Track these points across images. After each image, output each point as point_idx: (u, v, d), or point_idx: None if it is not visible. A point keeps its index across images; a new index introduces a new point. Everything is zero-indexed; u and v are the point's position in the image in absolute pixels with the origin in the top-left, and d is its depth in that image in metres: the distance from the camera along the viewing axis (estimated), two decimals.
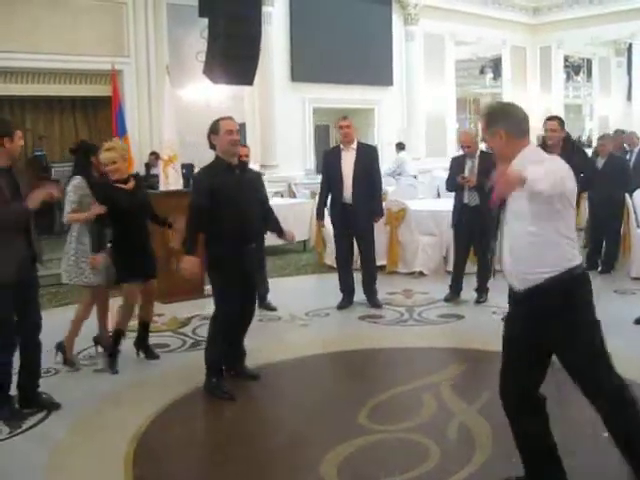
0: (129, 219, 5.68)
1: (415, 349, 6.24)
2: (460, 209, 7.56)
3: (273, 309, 7.57)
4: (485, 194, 7.16)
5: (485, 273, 7.58)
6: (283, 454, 4.29)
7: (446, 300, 7.68)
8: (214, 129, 5.16)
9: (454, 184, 7.56)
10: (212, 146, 5.21)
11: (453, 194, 7.74)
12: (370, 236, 7.59)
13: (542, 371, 3.45)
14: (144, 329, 6.15)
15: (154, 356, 6.10)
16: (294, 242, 7.79)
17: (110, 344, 5.94)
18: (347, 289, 7.68)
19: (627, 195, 8.99)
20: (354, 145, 7.41)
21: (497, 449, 4.13)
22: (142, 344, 6.14)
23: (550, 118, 6.92)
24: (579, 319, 3.28)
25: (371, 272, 7.68)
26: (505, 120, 3.35)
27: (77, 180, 5.81)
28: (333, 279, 7.84)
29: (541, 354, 3.40)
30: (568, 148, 6.70)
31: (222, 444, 4.45)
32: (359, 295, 7.72)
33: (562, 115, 18.72)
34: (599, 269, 9.35)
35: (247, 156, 7.51)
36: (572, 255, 3.28)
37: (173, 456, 4.28)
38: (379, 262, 8.99)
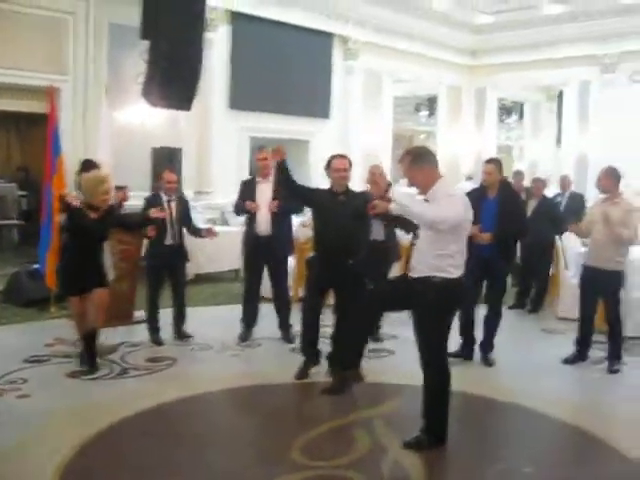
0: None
1: None
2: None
3: (189, 336, 7.46)
4: (392, 229, 7.17)
5: None
6: None
7: None
8: (327, 165, 6.21)
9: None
10: (328, 175, 6.24)
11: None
12: (285, 268, 7.60)
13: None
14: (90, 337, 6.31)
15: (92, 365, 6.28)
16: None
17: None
18: (251, 321, 7.58)
19: (557, 237, 9.19)
20: (271, 178, 7.35)
21: None
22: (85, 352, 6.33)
23: (488, 161, 7.00)
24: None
25: (286, 305, 7.60)
26: (428, 159, 4.70)
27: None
28: (268, 309, 7.72)
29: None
30: (504, 191, 6.81)
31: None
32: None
33: (494, 156, 19.18)
34: (527, 308, 9.54)
35: (175, 182, 7.45)
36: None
37: None
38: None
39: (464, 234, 4.74)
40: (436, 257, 4.59)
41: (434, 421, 4.69)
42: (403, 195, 4.62)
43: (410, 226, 6.51)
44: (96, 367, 6.23)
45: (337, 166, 6.16)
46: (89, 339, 6.26)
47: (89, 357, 6.28)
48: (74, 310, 6.40)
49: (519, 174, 11.75)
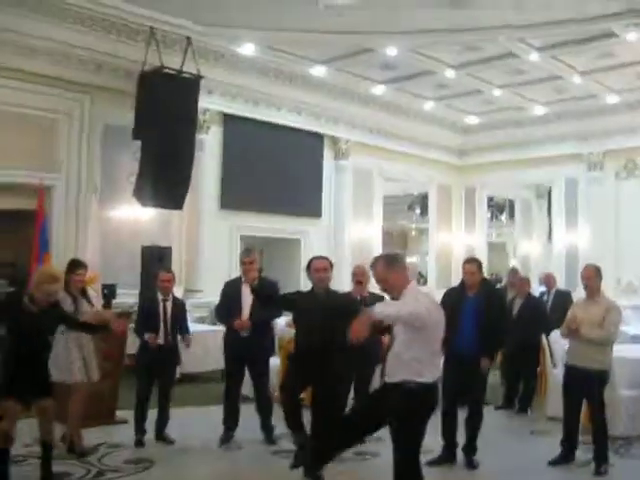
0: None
1: None
2: None
3: (171, 442, 7.32)
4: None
5: None
6: None
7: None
8: (308, 266, 6.39)
9: None
10: (308, 277, 6.42)
11: None
12: (266, 369, 7.55)
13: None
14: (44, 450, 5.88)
15: None
16: None
17: None
18: (232, 423, 7.46)
19: (543, 336, 9.17)
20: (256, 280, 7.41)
21: None
22: (42, 468, 5.83)
23: (468, 261, 7.05)
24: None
25: (268, 407, 7.49)
26: (400, 263, 4.92)
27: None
28: (250, 410, 7.62)
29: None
30: (485, 289, 6.85)
31: None
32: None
33: (485, 253, 19.35)
34: (515, 409, 9.42)
35: (169, 281, 7.49)
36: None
37: None
38: None
39: (438, 336, 4.75)
40: (410, 361, 4.61)
41: None
42: (378, 306, 4.81)
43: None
44: None
45: (317, 266, 6.30)
46: (45, 453, 5.87)
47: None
48: (7, 413, 5.64)
49: (514, 271, 11.82)
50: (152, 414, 7.41)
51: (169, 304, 7.45)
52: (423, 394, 4.61)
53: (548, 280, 11.57)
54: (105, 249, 11.86)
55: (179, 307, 7.64)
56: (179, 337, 7.58)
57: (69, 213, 12.13)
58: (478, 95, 16.11)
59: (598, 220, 16.64)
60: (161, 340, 7.33)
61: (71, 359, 6.69)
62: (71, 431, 6.87)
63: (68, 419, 6.88)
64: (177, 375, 9.80)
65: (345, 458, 6.85)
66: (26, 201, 11.86)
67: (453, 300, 6.66)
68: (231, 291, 7.53)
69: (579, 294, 8.09)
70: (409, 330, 4.62)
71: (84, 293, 7.14)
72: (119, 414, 7.96)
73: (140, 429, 7.29)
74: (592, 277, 6.84)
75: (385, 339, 5.58)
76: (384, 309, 4.75)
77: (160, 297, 7.43)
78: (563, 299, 10.71)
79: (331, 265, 6.36)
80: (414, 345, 4.61)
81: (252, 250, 7.70)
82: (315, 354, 6.01)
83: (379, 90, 15.64)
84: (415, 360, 4.60)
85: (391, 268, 4.83)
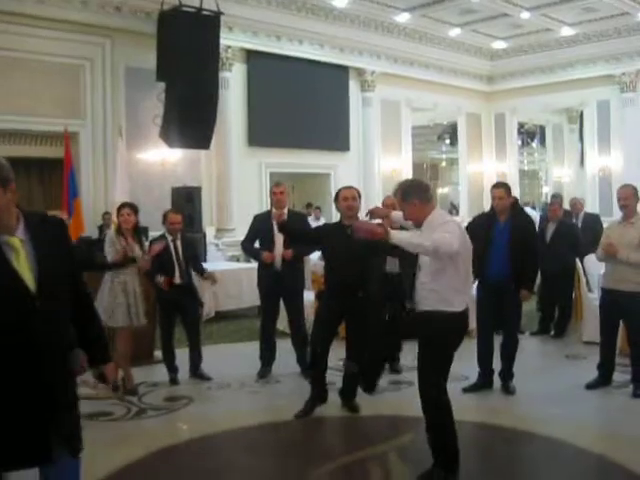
0: None
1: (363, 417, 6.14)
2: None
3: (208, 378, 7.37)
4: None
5: None
6: None
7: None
8: (336, 197, 6.27)
9: None
10: (337, 208, 6.30)
11: None
12: (300, 302, 7.52)
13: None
14: None
15: None
16: None
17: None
18: (269, 357, 7.52)
19: (577, 260, 9.07)
20: (285, 210, 7.33)
21: None
22: None
23: (496, 185, 6.88)
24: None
25: (303, 340, 7.42)
26: (416, 192, 4.58)
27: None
28: (287, 345, 7.68)
29: None
30: (516, 217, 6.71)
31: None
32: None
33: (517, 180, 19.14)
34: (551, 333, 9.40)
35: (179, 223, 7.43)
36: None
37: None
38: None
39: (467, 263, 4.64)
40: (438, 290, 4.50)
41: (442, 454, 4.59)
42: (399, 232, 4.55)
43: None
44: None
45: (345, 195, 6.19)
46: None
47: None
48: None
49: (556, 197, 11.60)
50: (186, 353, 7.49)
51: (179, 242, 7.41)
52: (451, 322, 4.51)
53: (574, 205, 11.39)
54: (135, 192, 11.87)
55: (189, 243, 7.65)
56: (205, 274, 7.67)
57: (96, 158, 12.19)
58: (505, 19, 15.75)
59: (632, 142, 16.36)
60: (177, 279, 7.34)
61: (115, 304, 6.70)
62: (123, 371, 6.96)
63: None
64: (211, 313, 9.98)
65: (380, 387, 6.94)
66: (53, 149, 11.92)
67: (484, 226, 6.57)
68: (261, 225, 7.47)
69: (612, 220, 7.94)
70: (437, 261, 4.45)
71: (136, 234, 7.10)
72: (157, 354, 8.04)
73: (170, 367, 7.37)
74: (630, 197, 6.64)
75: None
76: (405, 237, 4.43)
77: (169, 238, 7.39)
78: (592, 222, 10.57)
79: (359, 195, 6.28)
80: (443, 276, 4.47)
81: (280, 183, 7.65)
82: (344, 287, 5.96)
83: (403, 18, 15.34)
84: (444, 290, 4.48)
85: (407, 200, 4.60)
